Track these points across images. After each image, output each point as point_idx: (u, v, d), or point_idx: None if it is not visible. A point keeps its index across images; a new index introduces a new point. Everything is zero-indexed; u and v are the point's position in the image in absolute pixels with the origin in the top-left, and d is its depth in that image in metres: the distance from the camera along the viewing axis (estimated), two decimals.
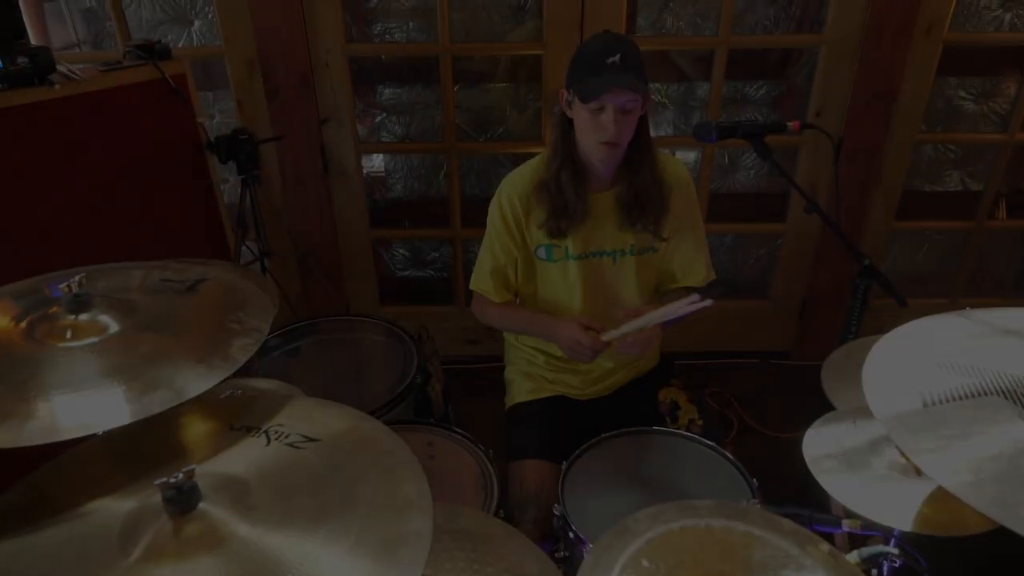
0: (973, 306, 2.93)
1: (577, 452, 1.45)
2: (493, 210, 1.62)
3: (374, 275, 2.87)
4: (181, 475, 0.78)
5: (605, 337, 1.45)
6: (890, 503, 0.92)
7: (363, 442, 0.94)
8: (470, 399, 2.79)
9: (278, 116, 2.46)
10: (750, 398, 2.82)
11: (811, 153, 2.62)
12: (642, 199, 1.55)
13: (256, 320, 1.07)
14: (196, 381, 0.91)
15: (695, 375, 2.93)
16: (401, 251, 3.05)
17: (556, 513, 1.31)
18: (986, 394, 0.74)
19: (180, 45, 2.59)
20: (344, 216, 2.71)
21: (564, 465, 1.42)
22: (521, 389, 1.75)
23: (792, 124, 1.47)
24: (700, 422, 1.64)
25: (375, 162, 2.93)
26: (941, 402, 0.74)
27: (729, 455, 1.44)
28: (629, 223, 1.57)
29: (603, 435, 1.50)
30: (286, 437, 0.94)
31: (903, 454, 0.80)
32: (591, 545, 1.21)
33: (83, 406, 0.84)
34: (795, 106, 2.79)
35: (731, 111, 2.79)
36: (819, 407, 2.71)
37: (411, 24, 2.61)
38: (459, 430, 1.52)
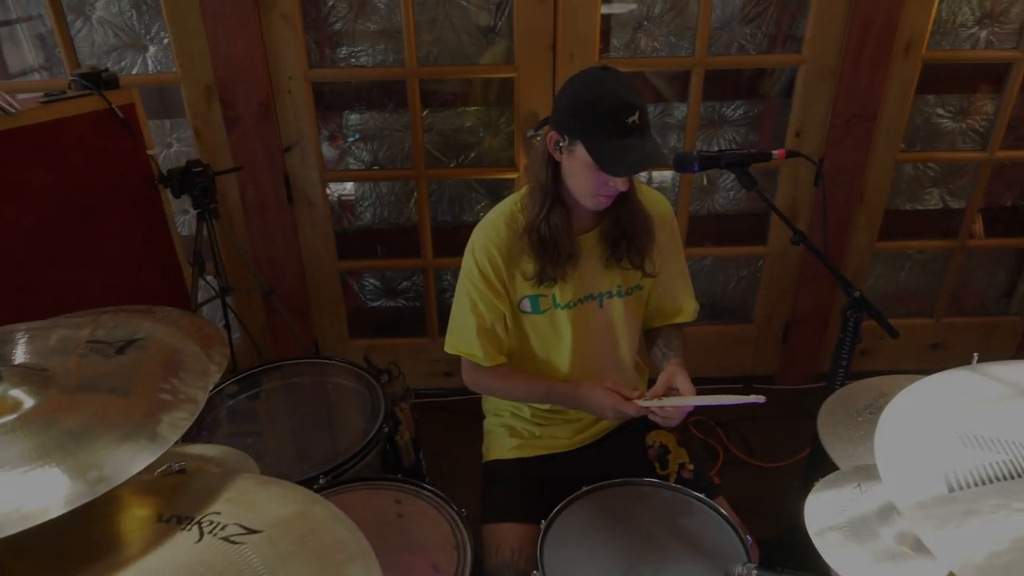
0: (956, 325, 2.88)
1: (556, 510, 1.34)
2: (469, 265, 1.47)
3: (343, 307, 2.75)
4: None
5: (643, 403, 1.36)
6: None
7: (311, 533, 0.82)
8: (444, 436, 2.67)
9: (239, 144, 2.34)
10: (735, 425, 2.74)
11: (791, 175, 2.56)
12: (628, 232, 1.45)
13: (192, 388, 0.95)
14: (117, 468, 0.79)
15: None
16: (371, 281, 2.94)
17: None
18: (1016, 475, 0.65)
19: (134, 72, 2.47)
20: (310, 247, 2.60)
21: (543, 524, 1.31)
22: (503, 445, 1.62)
23: (777, 152, 1.38)
24: (691, 467, 1.54)
25: (344, 187, 2.82)
26: (967, 486, 0.65)
27: (722, 510, 1.33)
28: (615, 259, 1.48)
29: (584, 489, 1.39)
30: (222, 529, 0.82)
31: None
32: None
33: None
34: (774, 126, 2.73)
35: (709, 132, 2.73)
36: (804, 432, 2.66)
37: (378, 47, 2.51)
38: (430, 487, 1.41)
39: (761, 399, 1.28)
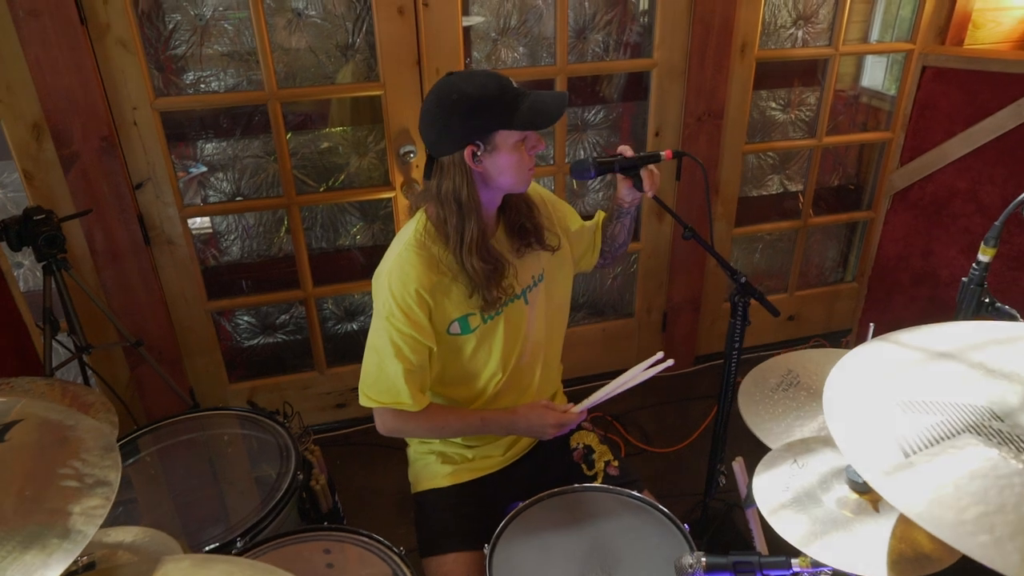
0: (806, 297, 3.18)
1: (498, 531, 1.31)
2: (390, 309, 1.36)
3: (218, 350, 2.55)
4: None
5: (577, 409, 1.42)
6: (853, 546, 0.89)
7: None
8: (349, 471, 2.56)
9: (79, 185, 2.10)
10: (630, 416, 2.85)
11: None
12: (524, 213, 1.47)
13: (99, 469, 0.83)
14: None
15: (578, 398, 2.93)
16: (245, 319, 2.75)
17: None
18: (957, 432, 0.72)
19: None
20: (175, 290, 2.38)
21: (487, 549, 1.28)
22: (434, 473, 1.56)
23: (665, 153, 1.45)
24: (616, 463, 1.58)
25: (203, 222, 2.61)
26: (919, 449, 0.71)
27: (655, 503, 1.37)
28: (526, 245, 1.48)
29: (520, 505, 1.38)
30: None
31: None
32: None
33: None
34: (632, 127, 2.87)
35: (574, 137, 2.81)
36: (693, 413, 2.82)
37: (228, 71, 2.35)
38: (361, 531, 1.33)
39: (670, 362, 1.42)
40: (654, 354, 1.47)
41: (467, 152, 1.31)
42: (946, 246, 2.37)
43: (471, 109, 1.28)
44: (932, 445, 0.70)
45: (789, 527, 0.91)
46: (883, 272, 2.59)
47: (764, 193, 3.20)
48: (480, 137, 1.30)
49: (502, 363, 1.49)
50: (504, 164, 1.33)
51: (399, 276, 1.36)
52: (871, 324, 1.08)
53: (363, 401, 1.43)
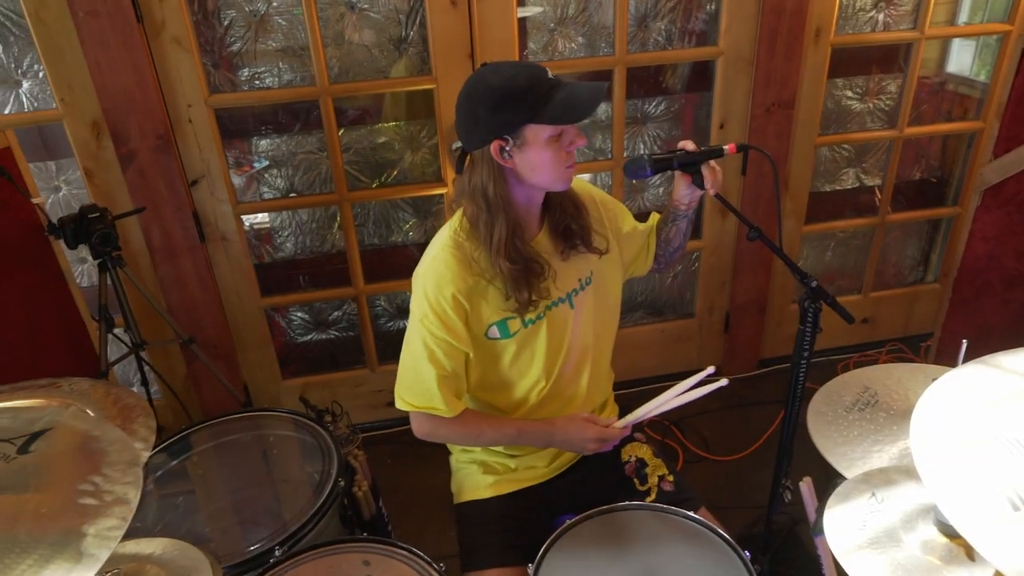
0: (882, 298, 2.98)
1: (543, 550, 1.24)
2: (424, 311, 1.32)
3: (271, 346, 2.56)
4: None
5: (621, 424, 1.36)
6: None
7: None
8: (397, 471, 2.53)
9: (137, 183, 2.13)
10: (688, 422, 2.72)
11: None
12: (570, 214, 1.38)
13: (120, 485, 0.80)
14: None
15: (631, 406, 2.83)
16: (299, 315, 2.75)
17: None
18: None
19: (7, 112, 2.21)
20: (229, 286, 2.40)
21: (530, 569, 1.21)
22: (476, 484, 1.49)
23: (728, 147, 1.33)
24: (671, 478, 1.48)
25: (258, 218, 2.62)
26: None
27: (714, 527, 1.27)
28: (571, 248, 1.39)
29: (567, 523, 1.30)
30: None
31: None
32: None
33: None
34: (696, 119, 2.73)
35: (633, 130, 2.70)
36: (755, 420, 2.67)
37: (282, 66, 2.34)
38: (401, 544, 1.28)
39: (725, 382, 1.30)
40: (713, 362, 1.38)
41: (494, 147, 1.23)
42: None
43: (498, 102, 1.20)
44: None
45: (865, 571, 0.80)
46: (970, 273, 2.38)
47: (838, 188, 3.01)
48: (508, 131, 1.22)
49: (545, 370, 1.41)
50: (536, 161, 1.24)
51: (434, 278, 1.30)
52: (964, 341, 0.95)
53: (398, 404, 1.39)
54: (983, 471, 0.63)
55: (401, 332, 2.99)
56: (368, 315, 2.59)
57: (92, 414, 0.95)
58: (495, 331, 1.36)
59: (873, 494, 0.89)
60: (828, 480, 1.15)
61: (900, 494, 0.90)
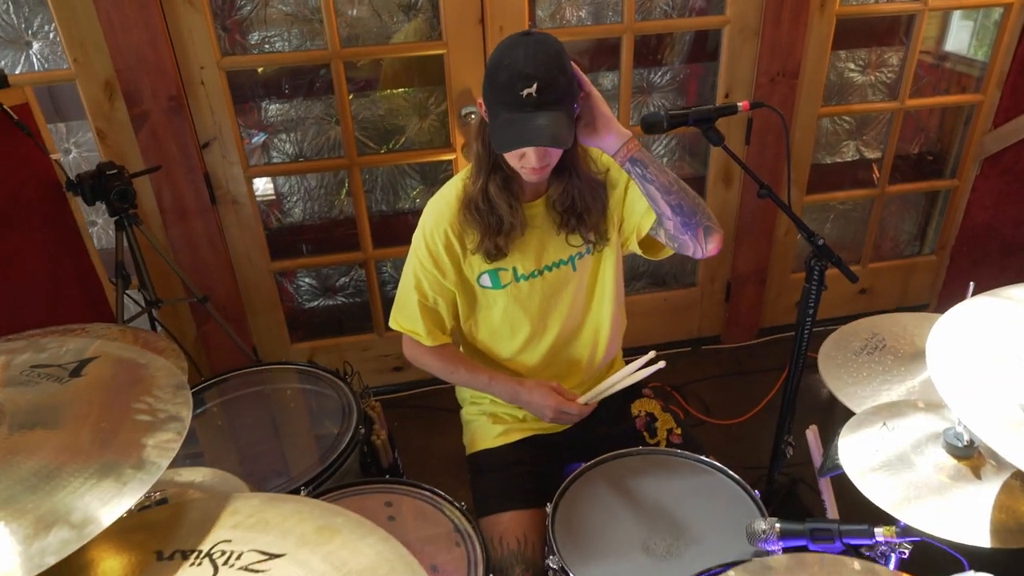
0: (880, 270, 3.02)
1: (560, 490, 1.29)
2: (418, 242, 1.42)
3: (280, 310, 2.59)
4: None
5: (583, 400, 1.39)
6: (949, 512, 0.82)
7: (342, 547, 0.73)
8: (405, 433, 2.57)
9: (149, 144, 2.14)
10: (690, 387, 2.78)
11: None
12: (577, 207, 1.39)
13: (171, 405, 0.83)
14: (103, 506, 0.68)
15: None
16: (307, 281, 2.78)
17: (553, 566, 1.15)
18: None
19: (17, 72, 2.21)
20: (239, 249, 2.42)
21: (549, 508, 1.25)
22: (486, 434, 1.55)
23: (742, 104, 1.37)
24: (679, 431, 1.53)
25: (264, 187, 2.64)
26: None
27: (724, 467, 1.32)
28: (567, 230, 1.43)
29: (583, 466, 1.35)
30: (237, 558, 0.72)
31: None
32: None
33: None
34: (700, 89, 2.76)
35: (638, 100, 2.72)
36: (755, 387, 2.73)
37: (292, 31, 2.35)
38: (424, 485, 1.32)
39: (662, 363, 1.33)
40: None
41: (480, 104, 1.29)
42: None
43: (487, 74, 1.24)
44: None
45: (879, 491, 0.85)
46: (968, 242, 2.44)
47: (838, 160, 3.05)
48: (485, 101, 1.27)
49: (537, 329, 1.47)
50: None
51: (434, 214, 1.39)
52: (971, 283, 1.00)
53: (391, 322, 1.51)
54: (995, 383, 0.68)
55: None
56: (376, 280, 2.62)
57: (132, 347, 0.98)
58: (487, 279, 1.43)
59: (884, 423, 0.94)
60: (832, 430, 1.20)
61: (910, 424, 0.95)
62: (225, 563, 0.71)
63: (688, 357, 2.97)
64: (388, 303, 2.75)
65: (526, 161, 1.26)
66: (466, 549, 1.21)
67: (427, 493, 1.32)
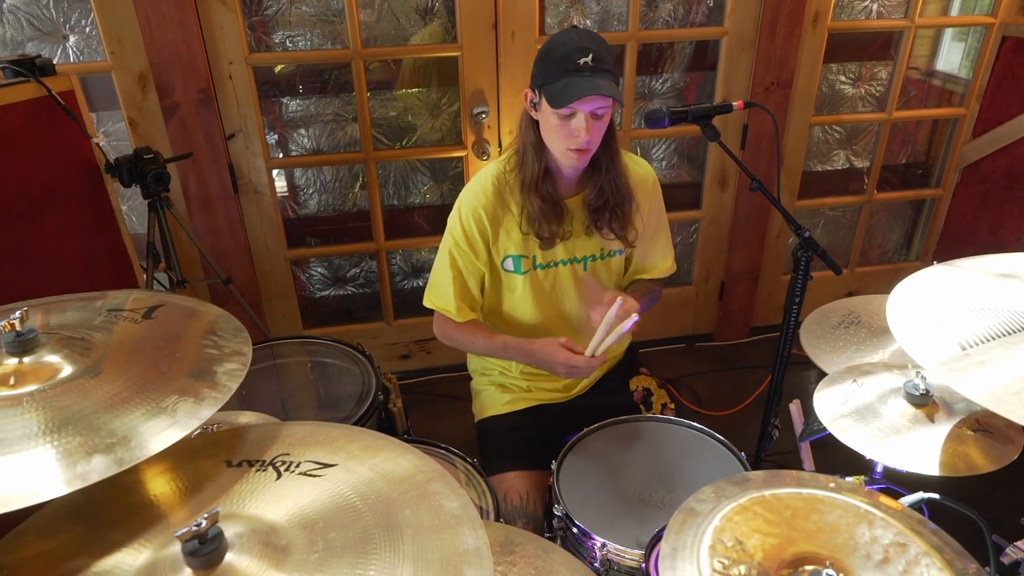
0: (867, 274, 3.16)
1: (564, 450, 1.41)
2: (455, 226, 1.51)
3: (294, 296, 2.71)
4: (203, 521, 0.67)
5: (589, 352, 1.43)
6: (908, 449, 0.95)
7: (385, 460, 0.86)
8: (414, 422, 2.68)
9: (178, 134, 2.27)
10: (684, 381, 2.90)
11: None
12: (610, 203, 1.50)
13: (233, 343, 0.96)
14: (187, 416, 0.80)
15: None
16: (319, 270, 2.90)
17: (558, 514, 1.27)
18: (1013, 331, 0.78)
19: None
20: (258, 237, 2.55)
21: (554, 465, 1.38)
22: (495, 401, 1.67)
23: (737, 104, 1.51)
24: (672, 406, 1.65)
25: (283, 176, 2.77)
26: (975, 344, 0.77)
27: (713, 432, 1.45)
28: (596, 228, 1.54)
29: (586, 430, 1.47)
30: (296, 466, 0.84)
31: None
32: (601, 540, 1.18)
33: (41, 463, 0.72)
34: (699, 97, 2.90)
35: (640, 105, 2.86)
36: (745, 382, 2.85)
37: (314, 31, 2.49)
38: (441, 444, 1.44)
39: (636, 318, 1.44)
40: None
41: (526, 94, 1.40)
42: (1018, 220, 2.35)
43: (539, 56, 1.37)
44: (988, 341, 0.76)
45: (848, 434, 0.98)
46: (948, 247, 2.58)
47: (829, 168, 3.20)
48: (535, 86, 1.38)
49: (547, 317, 1.57)
50: (545, 126, 1.40)
51: (470, 196, 1.49)
52: (934, 260, 1.13)
53: (424, 301, 1.60)
54: (942, 328, 0.80)
55: (415, 291, 3.16)
56: (387, 270, 2.74)
57: (190, 298, 1.11)
58: (510, 264, 1.54)
59: (854, 380, 1.07)
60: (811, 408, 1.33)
61: (876, 381, 1.08)
62: (287, 470, 0.83)
63: (682, 353, 3.10)
64: (395, 294, 2.91)
65: (573, 139, 1.34)
66: (478, 494, 1.33)
67: (442, 451, 1.44)
